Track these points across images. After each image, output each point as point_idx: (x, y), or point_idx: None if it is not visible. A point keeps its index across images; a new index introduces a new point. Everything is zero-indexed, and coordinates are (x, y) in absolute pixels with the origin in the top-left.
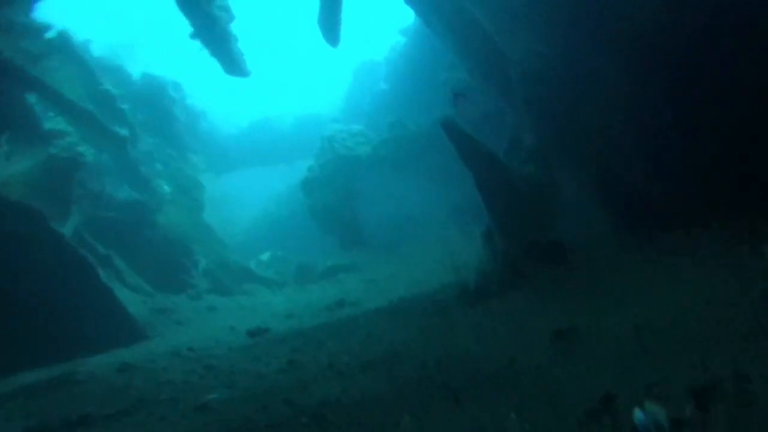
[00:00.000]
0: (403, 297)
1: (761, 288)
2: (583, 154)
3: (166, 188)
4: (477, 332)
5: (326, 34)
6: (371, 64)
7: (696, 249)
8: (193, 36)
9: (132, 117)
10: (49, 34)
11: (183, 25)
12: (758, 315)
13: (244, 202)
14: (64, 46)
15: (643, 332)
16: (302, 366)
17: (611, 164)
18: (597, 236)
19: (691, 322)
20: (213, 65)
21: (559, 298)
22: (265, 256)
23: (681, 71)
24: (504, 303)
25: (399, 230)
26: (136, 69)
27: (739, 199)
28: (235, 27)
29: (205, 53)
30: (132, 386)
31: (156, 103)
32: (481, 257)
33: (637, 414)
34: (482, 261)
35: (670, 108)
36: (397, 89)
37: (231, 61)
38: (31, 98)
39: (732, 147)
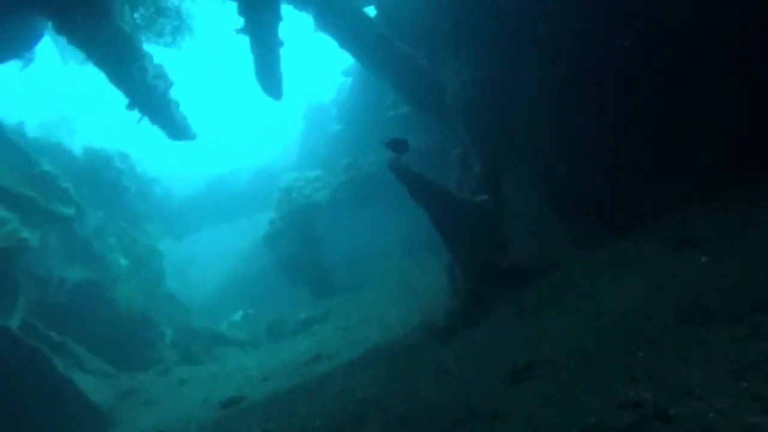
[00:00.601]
0: (376, 344)
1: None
2: (529, 172)
3: (123, 261)
4: (440, 377)
5: (267, 89)
6: (320, 106)
7: (632, 255)
8: (130, 107)
9: (77, 194)
10: None
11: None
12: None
13: (210, 262)
14: None
15: (588, 352)
16: None
17: (556, 177)
18: (553, 252)
19: (627, 337)
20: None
21: (518, 326)
22: (236, 316)
23: (605, 75)
24: (467, 340)
25: (365, 271)
26: (77, 143)
27: (671, 199)
28: (175, 89)
29: (146, 121)
30: None
31: (102, 176)
32: (446, 294)
33: None
34: (447, 298)
35: (598, 113)
36: (349, 129)
37: (174, 127)
38: None
39: (662, 153)
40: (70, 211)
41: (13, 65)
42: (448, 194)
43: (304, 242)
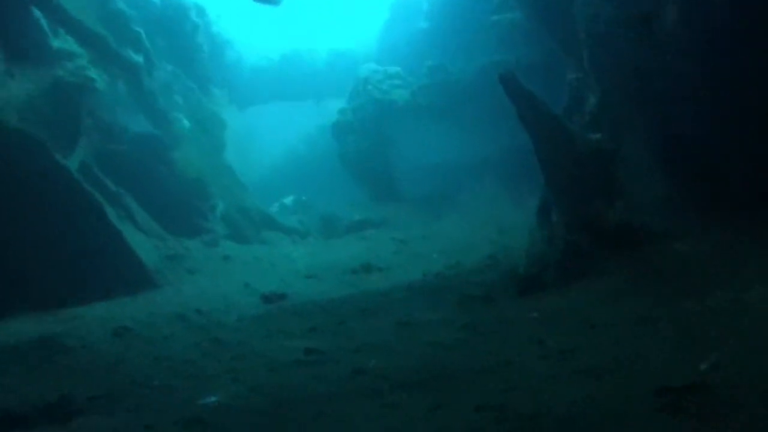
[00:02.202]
0: (438, 272)
1: None
2: (653, 122)
3: (186, 123)
4: (543, 345)
5: None
6: None
7: None
8: None
9: (149, 42)
10: None
11: None
12: None
13: (268, 138)
14: None
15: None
16: (322, 359)
17: (684, 136)
18: (671, 217)
19: None
20: None
21: (642, 300)
22: (288, 200)
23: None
24: (567, 299)
25: (435, 185)
26: None
27: None
28: None
29: None
30: (125, 360)
31: (177, 28)
32: (534, 235)
33: None
34: (535, 240)
35: (748, 69)
36: (439, 29)
37: None
38: (36, 13)
39: None
40: (138, 58)
41: None
42: (562, 125)
43: (374, 140)
